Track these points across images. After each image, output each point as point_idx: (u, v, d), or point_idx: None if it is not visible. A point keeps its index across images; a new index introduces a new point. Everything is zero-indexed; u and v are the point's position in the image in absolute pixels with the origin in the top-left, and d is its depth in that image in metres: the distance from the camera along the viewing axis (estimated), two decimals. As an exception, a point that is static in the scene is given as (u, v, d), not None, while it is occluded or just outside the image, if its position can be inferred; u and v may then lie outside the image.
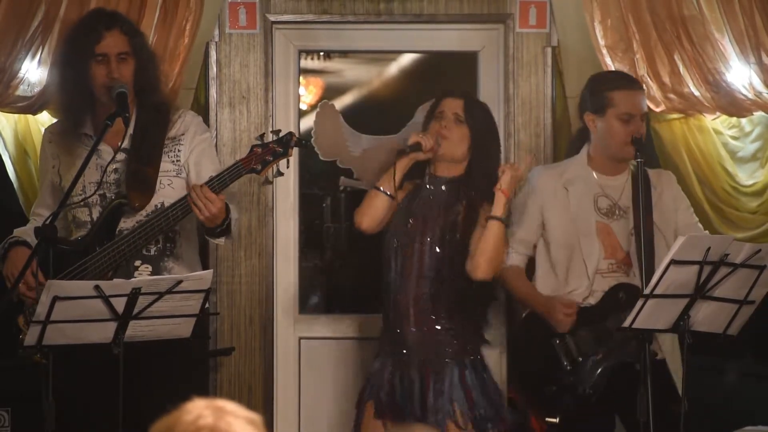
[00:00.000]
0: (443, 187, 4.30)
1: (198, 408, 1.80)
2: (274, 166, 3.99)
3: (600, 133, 4.45)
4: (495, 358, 5.34)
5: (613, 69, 5.03)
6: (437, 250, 4.21)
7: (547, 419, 4.52)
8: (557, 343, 4.37)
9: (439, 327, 4.20)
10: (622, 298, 4.30)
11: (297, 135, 4.07)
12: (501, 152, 4.47)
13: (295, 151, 5.31)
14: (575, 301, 4.34)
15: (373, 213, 4.28)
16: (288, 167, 4.06)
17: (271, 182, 4.06)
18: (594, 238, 4.42)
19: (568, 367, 4.35)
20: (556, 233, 4.47)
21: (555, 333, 4.38)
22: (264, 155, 3.97)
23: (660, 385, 4.09)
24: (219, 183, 3.88)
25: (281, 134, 4.00)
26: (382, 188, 4.27)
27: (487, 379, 4.24)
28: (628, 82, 4.51)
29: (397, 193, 4.27)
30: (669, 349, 4.31)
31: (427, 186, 4.32)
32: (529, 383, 4.55)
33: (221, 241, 4.12)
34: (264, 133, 4.05)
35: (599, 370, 4.32)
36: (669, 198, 4.50)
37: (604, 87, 4.46)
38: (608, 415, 4.43)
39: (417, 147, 4.22)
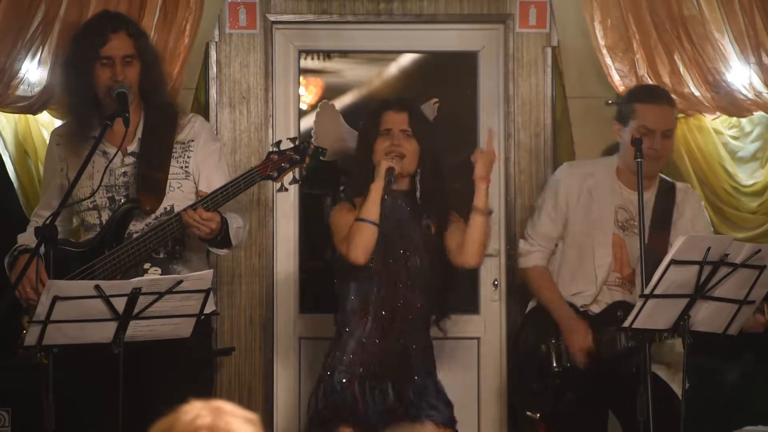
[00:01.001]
0: (400, 201, 4.30)
1: (196, 408, 1.80)
2: (291, 173, 3.99)
3: (623, 144, 4.43)
4: (494, 357, 5.34)
5: (612, 68, 5.04)
6: (418, 262, 4.22)
7: (528, 413, 4.54)
8: (552, 343, 4.38)
9: (417, 343, 4.23)
10: (620, 316, 4.28)
11: (313, 143, 4.08)
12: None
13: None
14: (592, 345, 4.33)
15: (367, 246, 4.19)
16: (304, 173, 4.07)
17: (287, 189, 4.05)
18: (608, 249, 4.40)
19: (557, 369, 4.36)
20: (573, 234, 4.47)
21: (552, 333, 4.38)
22: (280, 162, 3.98)
23: (661, 396, 4.08)
24: (212, 202, 3.89)
25: (298, 142, 4.01)
26: (369, 220, 4.19)
27: (435, 383, 4.29)
28: (653, 96, 4.43)
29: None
30: (659, 357, 4.31)
31: (386, 197, 4.25)
32: (523, 377, 4.55)
33: (223, 251, 4.12)
34: (281, 141, 4.05)
35: (585, 381, 4.31)
36: (688, 218, 4.47)
37: (632, 98, 4.44)
38: (601, 414, 4.43)
39: (392, 171, 4.20)
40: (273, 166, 3.97)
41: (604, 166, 4.51)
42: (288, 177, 4.00)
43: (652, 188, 4.45)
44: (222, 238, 3.96)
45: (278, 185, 4.01)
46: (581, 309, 4.40)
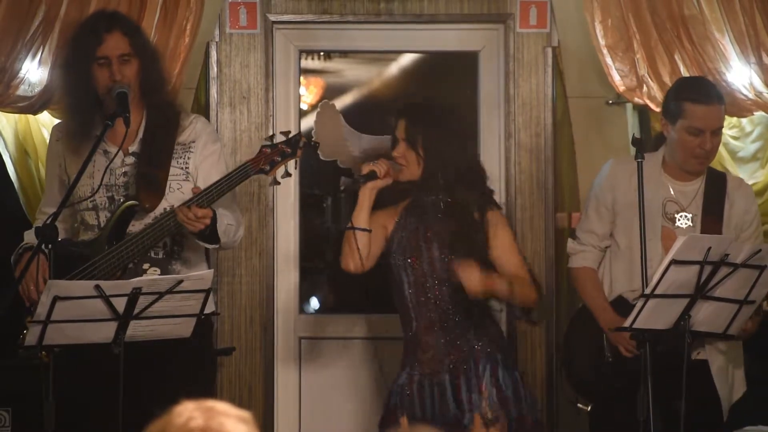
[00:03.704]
0: (442, 202, 4.14)
1: (188, 410, 1.79)
2: (283, 167, 3.99)
3: (670, 140, 4.34)
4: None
5: (613, 68, 5.04)
6: (446, 256, 4.09)
7: (579, 405, 4.56)
8: (605, 333, 4.36)
9: (462, 329, 4.09)
10: None
11: (305, 136, 4.07)
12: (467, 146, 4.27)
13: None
14: (635, 351, 4.23)
15: (355, 253, 4.13)
16: (296, 168, 4.06)
17: (279, 183, 4.04)
18: (658, 243, 4.36)
19: (609, 359, 4.34)
20: (622, 230, 4.42)
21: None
22: (272, 156, 3.97)
23: (698, 385, 4.04)
24: (207, 198, 3.88)
25: (290, 135, 4.00)
26: (354, 226, 4.13)
27: (517, 378, 4.13)
28: (704, 95, 4.31)
29: (371, 224, 4.14)
30: (721, 348, 4.29)
31: (416, 204, 4.17)
32: (573, 369, 4.55)
33: (212, 246, 4.09)
34: (273, 134, 4.04)
35: (638, 370, 4.23)
36: (740, 212, 4.39)
37: (681, 96, 4.31)
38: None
39: (372, 175, 4.08)
40: (265, 159, 3.97)
41: (649, 160, 4.34)
42: (280, 170, 4.00)
43: (699, 178, 4.39)
44: (210, 231, 3.95)
45: (271, 179, 4.00)
46: (633, 302, 4.34)
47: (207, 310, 3.76)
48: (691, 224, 4.36)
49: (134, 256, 3.97)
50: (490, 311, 4.19)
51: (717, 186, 4.39)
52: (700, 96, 4.30)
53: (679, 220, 4.38)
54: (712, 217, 4.32)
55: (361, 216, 4.14)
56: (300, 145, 3.99)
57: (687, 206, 4.38)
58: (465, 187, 4.11)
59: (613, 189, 4.43)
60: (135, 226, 4.03)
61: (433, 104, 4.38)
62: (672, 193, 4.38)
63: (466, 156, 4.19)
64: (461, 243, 4.08)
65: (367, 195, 4.12)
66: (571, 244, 4.54)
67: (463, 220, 4.10)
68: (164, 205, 4.05)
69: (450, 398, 4.07)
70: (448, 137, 4.14)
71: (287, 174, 4.01)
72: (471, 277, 3.98)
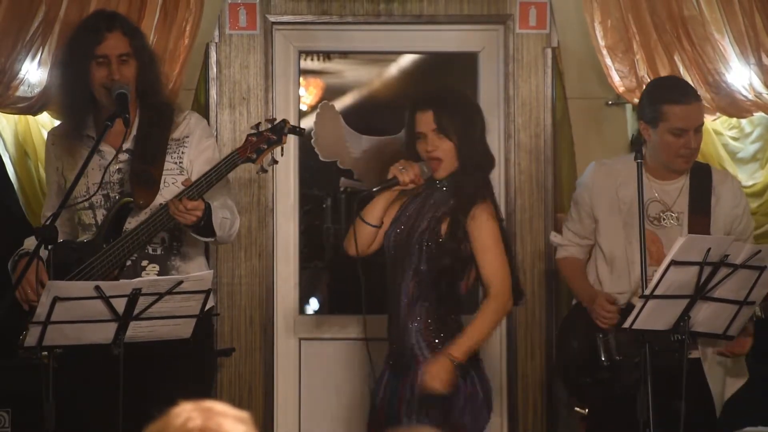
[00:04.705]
0: (443, 188, 4.12)
1: (186, 411, 1.79)
2: (269, 155, 4.00)
3: (652, 143, 4.32)
4: (495, 357, 5.34)
5: (612, 69, 5.05)
6: (423, 247, 4.05)
7: (576, 409, 4.56)
8: (600, 338, 4.35)
9: (414, 328, 4.06)
10: None
11: (291, 122, 4.07)
12: (484, 130, 4.16)
13: (295, 151, 5.37)
14: (618, 301, 4.28)
15: (359, 241, 4.13)
16: (282, 155, 4.06)
17: (266, 171, 4.05)
18: (638, 246, 4.33)
19: (605, 363, 4.33)
20: (605, 234, 4.42)
21: (599, 328, 4.35)
22: (258, 143, 3.98)
23: (692, 384, 4.03)
24: (197, 189, 3.88)
25: (275, 122, 4.01)
26: (366, 220, 4.14)
27: (462, 385, 4.02)
28: (682, 95, 4.31)
29: (382, 221, 4.14)
30: (712, 346, 4.29)
31: (423, 189, 4.15)
32: (569, 373, 4.55)
33: (208, 239, 4.10)
34: (259, 123, 4.06)
35: (635, 374, 4.24)
36: (727, 207, 4.38)
37: (659, 99, 4.30)
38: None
39: (394, 182, 4.04)
40: (251, 148, 3.98)
41: (629, 162, 4.25)
42: (267, 158, 4.01)
43: (683, 176, 4.36)
44: (205, 224, 3.95)
45: (258, 167, 4.01)
46: (621, 306, 4.34)
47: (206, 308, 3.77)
48: (677, 224, 4.35)
49: (130, 252, 3.98)
50: (456, 312, 4.13)
51: (702, 181, 4.37)
52: (677, 96, 4.30)
53: (664, 220, 4.38)
54: (699, 214, 4.31)
55: (372, 210, 4.13)
56: (285, 131, 3.99)
57: (672, 205, 4.36)
58: (470, 174, 4.07)
59: (591, 196, 4.44)
60: (131, 224, 4.04)
61: (447, 90, 4.36)
62: (655, 193, 4.38)
63: (483, 138, 4.14)
64: (436, 231, 4.05)
65: (386, 197, 4.11)
66: (553, 236, 4.60)
67: (455, 206, 4.07)
68: (160, 200, 4.05)
69: (395, 398, 4.06)
70: (471, 120, 4.10)
71: (274, 161, 4.02)
72: (435, 379, 3.95)
